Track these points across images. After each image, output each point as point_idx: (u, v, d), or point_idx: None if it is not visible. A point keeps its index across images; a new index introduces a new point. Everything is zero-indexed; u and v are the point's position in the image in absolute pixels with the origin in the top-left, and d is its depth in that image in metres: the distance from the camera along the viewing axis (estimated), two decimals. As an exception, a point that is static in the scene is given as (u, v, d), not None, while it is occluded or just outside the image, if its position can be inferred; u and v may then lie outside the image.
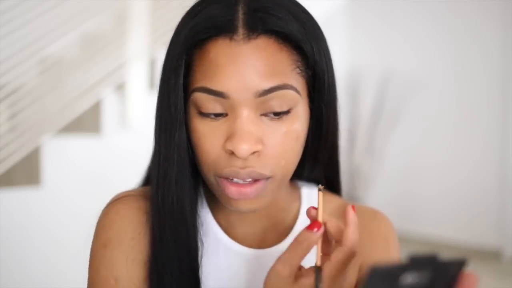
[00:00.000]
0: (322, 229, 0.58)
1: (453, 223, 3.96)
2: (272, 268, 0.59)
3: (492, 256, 3.66)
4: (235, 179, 0.63)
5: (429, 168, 4.11)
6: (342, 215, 0.75)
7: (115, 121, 2.37)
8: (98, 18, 2.35)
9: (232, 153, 0.62)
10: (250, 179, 0.63)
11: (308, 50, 0.63)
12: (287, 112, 0.63)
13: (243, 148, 0.60)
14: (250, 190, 0.63)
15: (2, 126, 2.00)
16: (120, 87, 2.39)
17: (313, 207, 0.61)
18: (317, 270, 0.57)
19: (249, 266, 0.71)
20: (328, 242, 0.60)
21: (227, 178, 0.64)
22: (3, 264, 1.93)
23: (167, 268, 0.67)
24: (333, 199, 0.78)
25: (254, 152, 0.62)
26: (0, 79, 2.00)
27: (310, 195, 0.77)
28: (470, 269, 0.45)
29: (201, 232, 0.70)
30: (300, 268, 0.60)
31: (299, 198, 0.77)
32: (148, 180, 0.77)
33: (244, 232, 0.73)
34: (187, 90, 0.64)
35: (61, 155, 2.16)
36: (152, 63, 2.51)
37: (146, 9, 2.43)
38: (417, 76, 4.04)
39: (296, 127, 0.64)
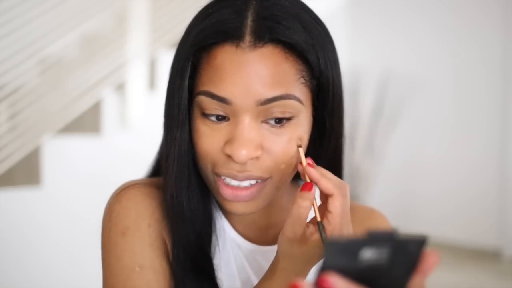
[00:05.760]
0: (314, 188, 0.61)
1: (453, 223, 3.96)
2: (282, 235, 0.61)
3: (492, 256, 3.66)
4: (232, 182, 0.64)
5: (428, 168, 4.10)
6: None
7: (115, 121, 2.37)
8: (98, 18, 2.35)
9: (230, 157, 0.63)
10: (246, 183, 0.64)
11: (314, 60, 0.63)
12: (288, 119, 0.63)
13: (242, 153, 0.61)
14: (245, 193, 0.64)
15: (2, 126, 2.00)
16: (120, 87, 2.39)
17: (301, 163, 0.63)
18: (319, 224, 0.60)
19: (253, 261, 0.73)
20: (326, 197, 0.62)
21: (223, 179, 0.65)
22: (2, 264, 1.93)
23: (179, 259, 0.68)
24: None
25: (253, 158, 0.63)
26: (0, 79, 2.00)
27: None
28: (430, 249, 0.45)
29: (213, 227, 0.71)
30: (308, 226, 0.62)
31: None
32: (154, 173, 0.79)
33: (248, 229, 0.74)
34: (193, 92, 0.65)
35: (61, 155, 2.16)
36: (152, 63, 2.51)
37: (146, 9, 2.43)
38: (417, 76, 4.03)
39: (298, 134, 0.64)
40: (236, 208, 0.65)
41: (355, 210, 0.78)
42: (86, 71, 2.27)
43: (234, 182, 0.64)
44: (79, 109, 2.22)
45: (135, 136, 2.41)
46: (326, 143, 0.70)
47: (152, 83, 2.51)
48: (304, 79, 0.63)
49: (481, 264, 3.48)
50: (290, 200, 0.77)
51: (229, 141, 0.62)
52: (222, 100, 0.61)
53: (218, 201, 0.67)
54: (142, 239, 0.68)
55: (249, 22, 0.62)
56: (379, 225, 0.77)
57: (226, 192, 0.64)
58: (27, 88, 2.08)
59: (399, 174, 4.21)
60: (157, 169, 0.78)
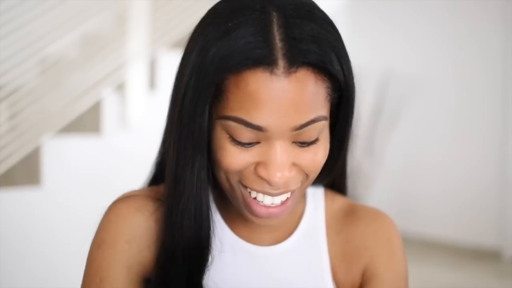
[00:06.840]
0: None
1: (453, 223, 3.96)
2: None
3: (492, 256, 3.66)
4: (266, 199, 0.65)
5: (429, 168, 4.10)
6: (345, 214, 0.78)
7: (115, 121, 2.37)
8: (98, 18, 2.35)
9: (263, 178, 0.63)
10: (278, 199, 0.65)
11: (341, 78, 0.63)
12: (315, 141, 0.64)
13: (277, 176, 0.62)
14: (280, 209, 0.66)
15: (2, 126, 2.00)
16: (120, 87, 2.39)
17: None
18: None
19: (254, 262, 0.73)
20: None
21: (255, 196, 0.65)
22: (3, 264, 1.93)
23: (172, 273, 0.67)
24: (337, 199, 0.80)
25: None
26: (0, 79, 2.00)
27: (315, 194, 0.78)
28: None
29: (214, 243, 0.70)
30: None
31: (304, 198, 0.78)
32: (154, 180, 0.78)
33: (250, 231, 0.74)
34: (215, 113, 0.63)
35: (61, 155, 2.16)
36: (152, 63, 2.51)
37: (146, 9, 2.43)
38: (417, 76, 4.03)
39: (324, 146, 0.65)
40: (265, 222, 0.67)
41: (361, 211, 0.78)
42: (86, 71, 2.27)
43: (267, 199, 0.65)
44: (79, 109, 2.22)
45: (135, 136, 2.41)
46: (344, 151, 0.72)
47: (152, 83, 2.52)
48: (330, 96, 0.63)
49: (481, 264, 3.48)
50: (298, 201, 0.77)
51: (262, 164, 0.62)
52: (257, 128, 0.60)
53: (244, 213, 0.67)
54: (114, 255, 0.69)
55: (277, 42, 0.59)
56: (385, 227, 0.77)
57: (260, 210, 0.65)
58: (27, 88, 2.08)
59: (399, 174, 4.20)
60: (157, 176, 0.77)
